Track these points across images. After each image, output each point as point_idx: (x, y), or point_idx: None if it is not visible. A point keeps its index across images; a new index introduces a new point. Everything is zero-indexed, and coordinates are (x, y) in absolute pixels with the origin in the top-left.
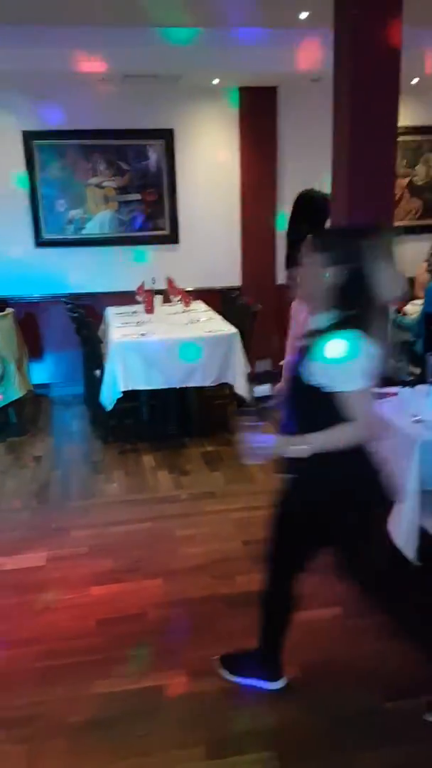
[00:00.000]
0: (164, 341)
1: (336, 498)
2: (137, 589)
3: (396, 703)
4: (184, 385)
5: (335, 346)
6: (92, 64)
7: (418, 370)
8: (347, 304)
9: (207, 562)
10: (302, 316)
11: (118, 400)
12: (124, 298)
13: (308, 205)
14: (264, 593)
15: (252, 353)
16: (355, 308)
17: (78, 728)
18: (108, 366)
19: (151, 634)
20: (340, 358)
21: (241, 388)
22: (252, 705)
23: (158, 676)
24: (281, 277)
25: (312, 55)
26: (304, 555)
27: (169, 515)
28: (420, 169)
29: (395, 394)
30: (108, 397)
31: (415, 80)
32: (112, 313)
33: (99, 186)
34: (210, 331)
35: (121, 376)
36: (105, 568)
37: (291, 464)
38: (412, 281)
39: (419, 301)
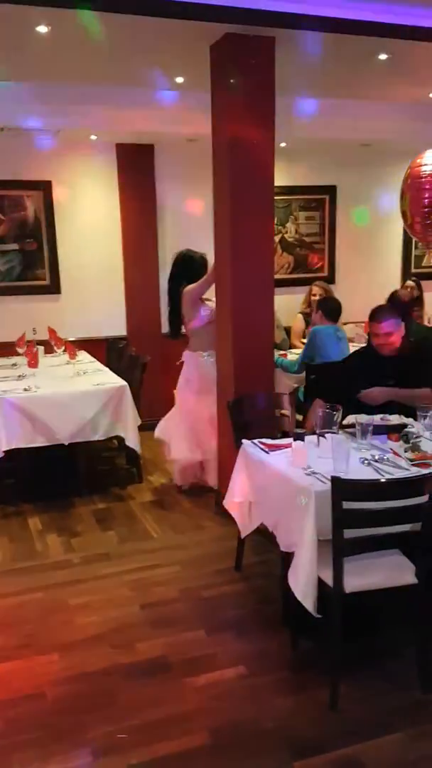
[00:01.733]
0: (51, 396)
1: None
2: (31, 667)
3: (304, 761)
4: (72, 441)
5: None
6: None
7: (301, 417)
8: None
9: (104, 631)
10: None
11: None
12: (2, 349)
13: (188, 263)
14: None
15: (141, 404)
16: None
17: None
18: None
19: (50, 714)
20: None
21: (132, 440)
22: None
23: (62, 759)
24: (166, 326)
25: (188, 116)
26: None
27: (61, 583)
28: (290, 227)
29: (288, 446)
30: None
31: (283, 144)
32: None
33: None
34: (98, 384)
35: (3, 435)
36: None
37: None
38: (288, 331)
39: (297, 351)
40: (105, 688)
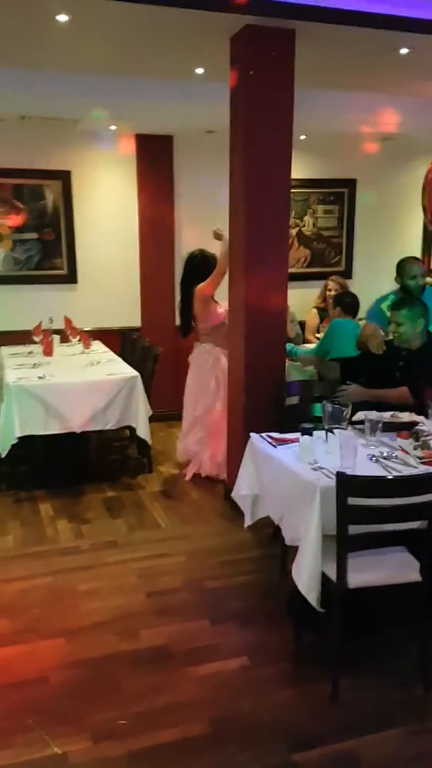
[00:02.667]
0: (64, 385)
1: None
2: (36, 651)
3: (302, 753)
4: (84, 429)
5: None
6: None
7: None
8: None
9: (110, 618)
10: None
11: (12, 445)
12: (19, 337)
13: (203, 263)
14: None
15: (153, 395)
16: None
17: None
18: (3, 410)
19: (53, 699)
20: None
21: (143, 431)
22: None
23: (62, 742)
24: (179, 318)
25: (207, 108)
26: None
27: (69, 568)
28: (308, 220)
29: (296, 440)
30: (2, 443)
31: (303, 137)
32: (6, 353)
33: None
34: (111, 374)
35: (17, 421)
36: (1, 630)
37: None
38: (302, 326)
39: (310, 345)
40: (108, 674)
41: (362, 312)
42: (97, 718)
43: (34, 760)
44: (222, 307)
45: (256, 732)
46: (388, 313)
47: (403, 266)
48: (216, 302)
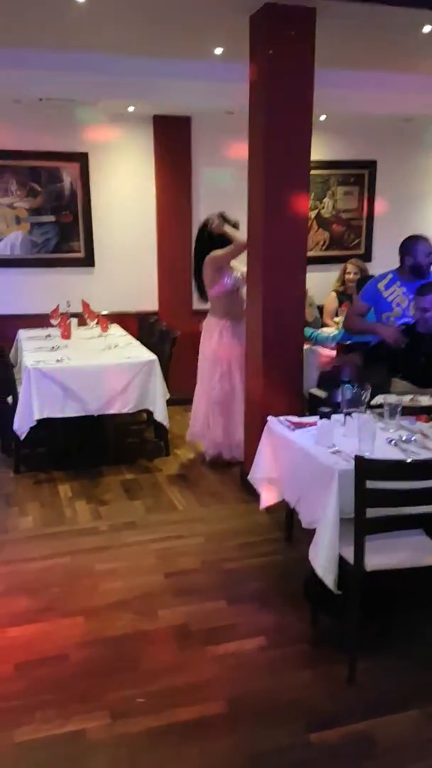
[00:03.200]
0: (82, 368)
1: None
2: (57, 629)
3: (319, 734)
4: (102, 413)
5: None
6: (5, 86)
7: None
8: None
9: (128, 597)
10: None
11: (31, 427)
12: (36, 320)
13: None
14: None
15: (170, 379)
16: None
17: None
18: (22, 393)
19: (72, 676)
20: None
21: (160, 414)
22: (177, 745)
23: (81, 719)
24: (197, 302)
25: (226, 88)
26: None
27: (88, 549)
28: (327, 202)
29: (314, 424)
30: (21, 425)
31: (323, 117)
32: (24, 336)
33: (10, 206)
34: (129, 357)
35: (35, 404)
36: (22, 608)
37: None
38: (321, 309)
39: (327, 329)
40: (126, 653)
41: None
42: (115, 695)
43: (54, 736)
44: (231, 276)
45: (273, 712)
46: (386, 294)
47: (412, 245)
48: (231, 268)
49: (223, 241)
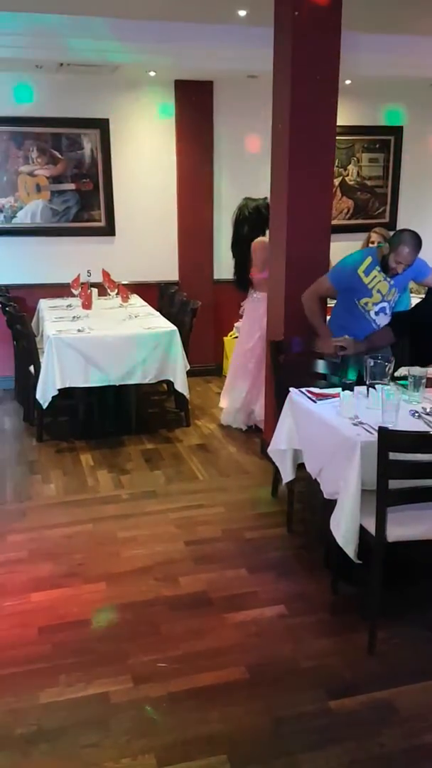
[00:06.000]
0: (103, 338)
1: None
2: (79, 594)
3: (339, 701)
4: (123, 383)
5: None
6: (26, 51)
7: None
8: None
9: (150, 564)
10: None
11: (53, 396)
12: (57, 289)
13: (258, 212)
14: None
15: (190, 350)
16: None
17: (24, 741)
18: (44, 362)
19: (95, 640)
20: None
21: (180, 384)
22: (198, 709)
23: (103, 683)
24: (218, 272)
25: (249, 52)
26: None
27: (109, 516)
28: (351, 169)
29: (336, 395)
30: (44, 395)
31: (348, 81)
32: (45, 305)
33: (31, 174)
34: (149, 328)
35: (57, 373)
36: (45, 574)
37: None
38: None
39: None
40: (148, 618)
41: None
42: (137, 660)
43: (77, 698)
44: None
45: (293, 678)
46: (366, 280)
47: (399, 243)
48: None
49: (263, 218)
